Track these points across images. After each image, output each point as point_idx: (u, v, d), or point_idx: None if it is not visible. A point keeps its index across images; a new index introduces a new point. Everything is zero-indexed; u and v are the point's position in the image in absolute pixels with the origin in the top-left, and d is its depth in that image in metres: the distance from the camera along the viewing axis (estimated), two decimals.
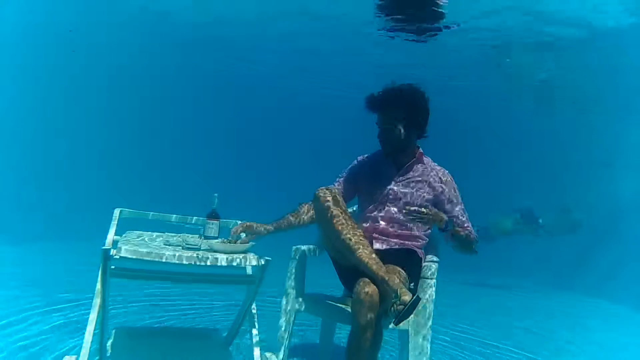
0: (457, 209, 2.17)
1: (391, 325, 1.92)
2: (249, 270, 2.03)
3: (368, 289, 1.74)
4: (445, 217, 2.02)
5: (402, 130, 2.09)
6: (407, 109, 2.09)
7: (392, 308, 1.67)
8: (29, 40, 11.56)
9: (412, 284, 2.04)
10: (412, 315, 2.00)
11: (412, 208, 1.94)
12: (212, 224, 1.92)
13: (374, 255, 1.83)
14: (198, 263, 1.54)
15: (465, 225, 2.17)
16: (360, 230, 1.93)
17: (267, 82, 13.34)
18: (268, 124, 18.40)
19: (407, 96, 2.10)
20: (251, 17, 8.19)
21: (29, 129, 14.15)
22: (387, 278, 1.74)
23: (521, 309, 6.05)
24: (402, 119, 2.09)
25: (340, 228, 1.88)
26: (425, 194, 2.14)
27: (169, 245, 1.72)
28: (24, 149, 13.72)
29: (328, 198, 1.95)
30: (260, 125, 18.61)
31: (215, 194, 1.99)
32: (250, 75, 12.77)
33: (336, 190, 2.02)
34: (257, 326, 1.92)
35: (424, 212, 1.92)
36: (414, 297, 1.66)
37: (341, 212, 1.92)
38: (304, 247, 2.31)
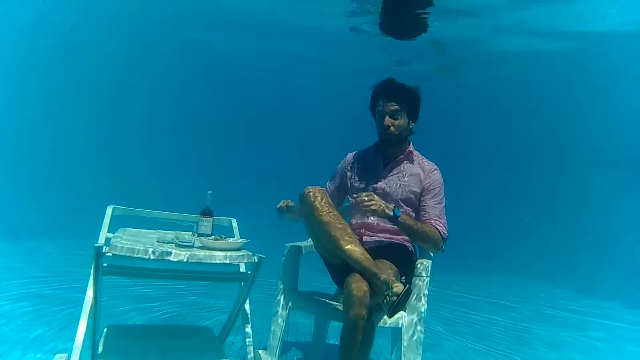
0: (430, 201, 2.15)
1: (383, 320, 1.92)
2: (243, 268, 2.03)
3: (359, 284, 1.75)
4: (388, 205, 1.97)
5: (403, 118, 2.15)
6: (410, 103, 2.17)
7: (385, 300, 1.68)
8: (27, 37, 11.48)
9: (403, 278, 2.05)
10: (405, 311, 2.01)
11: (358, 197, 1.93)
12: (206, 221, 1.91)
13: (363, 251, 1.84)
14: (191, 260, 1.53)
15: (430, 219, 2.11)
16: (348, 227, 1.93)
17: (261, 79, 13.33)
18: (261, 122, 18.38)
19: (411, 92, 2.18)
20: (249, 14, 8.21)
21: (25, 126, 14.04)
22: (377, 272, 1.75)
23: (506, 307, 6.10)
24: (405, 111, 2.15)
25: (328, 226, 1.88)
26: (413, 188, 2.17)
27: (163, 242, 1.71)
28: (20, 146, 13.61)
29: (315, 197, 1.95)
30: (254, 122, 18.58)
31: (209, 191, 1.98)
32: (245, 72, 12.76)
33: (323, 189, 2.02)
34: (250, 324, 1.91)
35: (364, 199, 1.91)
36: (406, 288, 1.68)
37: (328, 210, 1.92)
38: (297, 245, 2.31)
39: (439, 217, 2.12)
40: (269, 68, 11.97)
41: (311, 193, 1.96)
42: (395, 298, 1.66)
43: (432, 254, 2.22)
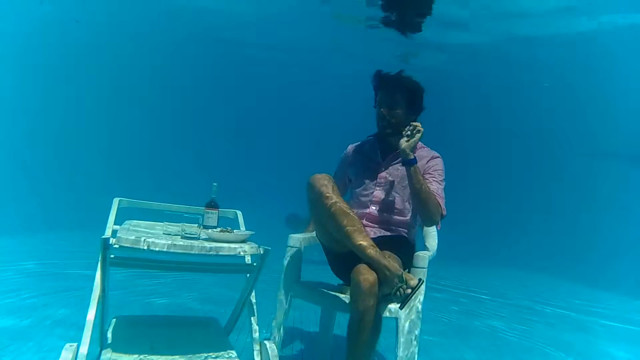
0: (431, 178, 2.13)
1: (393, 306, 1.92)
2: (249, 259, 2.04)
3: (367, 275, 1.74)
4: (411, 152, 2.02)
5: (401, 111, 2.13)
6: (408, 94, 2.14)
7: (399, 292, 1.68)
8: (29, 33, 11.49)
9: (407, 270, 2.05)
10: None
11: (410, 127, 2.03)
12: (211, 213, 1.91)
13: (371, 242, 1.83)
14: (197, 252, 1.54)
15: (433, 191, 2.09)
16: (356, 216, 1.91)
17: (264, 73, 13.29)
18: (266, 114, 18.34)
19: (410, 83, 2.15)
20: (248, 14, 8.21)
21: (28, 120, 14.11)
22: (387, 264, 1.74)
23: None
24: (403, 102, 2.13)
25: (336, 214, 1.86)
26: None
27: (169, 234, 1.72)
28: (24, 141, 13.69)
29: (323, 184, 1.93)
30: (259, 115, 18.55)
31: (215, 184, 1.98)
32: (247, 65, 12.71)
33: (330, 176, 2.00)
34: (256, 315, 1.92)
35: (415, 127, 2.01)
36: (421, 282, 1.69)
37: (336, 199, 1.90)
38: (300, 235, 2.32)
39: (439, 194, 2.09)
40: (272, 62, 11.93)
41: (319, 180, 1.94)
42: (410, 291, 1.66)
43: (434, 247, 2.22)
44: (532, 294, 6.10)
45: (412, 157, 2.00)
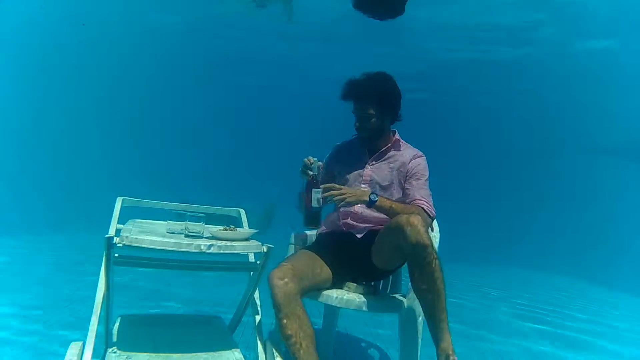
0: (415, 182, 2.13)
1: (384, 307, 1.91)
2: (252, 258, 2.04)
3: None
4: (364, 191, 1.97)
5: (375, 119, 2.14)
6: (378, 98, 2.13)
7: None
8: (30, 34, 11.52)
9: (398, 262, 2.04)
10: (405, 301, 2.02)
11: (326, 186, 1.91)
12: (316, 191, 1.89)
13: None
14: (201, 251, 1.55)
15: (415, 199, 2.06)
16: (304, 335, 1.78)
17: (258, 74, 13.32)
18: (266, 113, 18.34)
19: (377, 85, 2.14)
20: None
21: (29, 121, 14.14)
22: None
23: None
24: (374, 108, 2.13)
25: (286, 331, 1.76)
26: (401, 174, 2.17)
27: (172, 233, 1.72)
28: (25, 142, 13.71)
29: (277, 291, 1.76)
30: (259, 114, 18.56)
31: (317, 161, 1.95)
32: (243, 67, 12.75)
33: (291, 270, 1.81)
34: (259, 313, 1.93)
35: (333, 193, 1.89)
36: None
37: (291, 311, 1.77)
38: (303, 233, 2.32)
39: (423, 197, 2.09)
40: (271, 64, 11.97)
41: (275, 287, 1.76)
42: None
43: (437, 250, 2.21)
44: (533, 292, 6.09)
45: (366, 199, 1.94)
